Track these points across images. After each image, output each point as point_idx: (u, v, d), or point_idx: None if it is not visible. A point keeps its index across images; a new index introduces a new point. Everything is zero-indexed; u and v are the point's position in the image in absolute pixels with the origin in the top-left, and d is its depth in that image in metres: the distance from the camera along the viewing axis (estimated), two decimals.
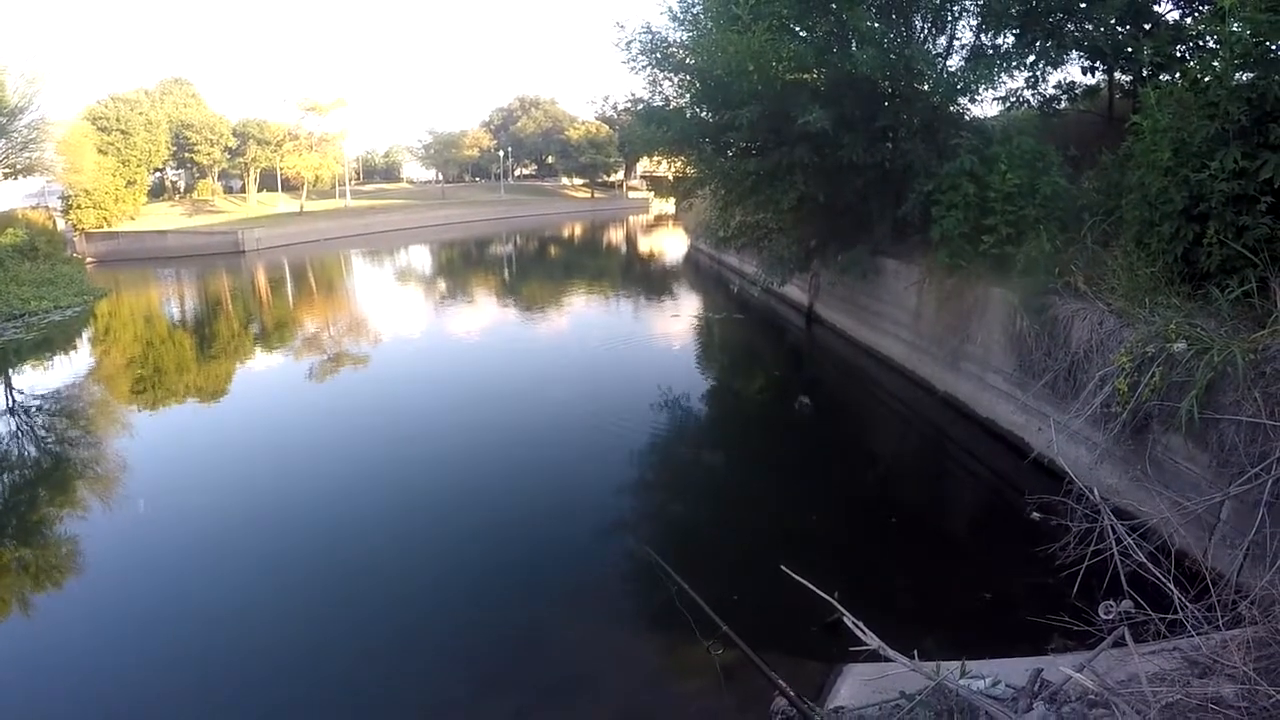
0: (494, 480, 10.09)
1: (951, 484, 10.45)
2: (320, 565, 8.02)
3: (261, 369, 18.34)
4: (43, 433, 13.72)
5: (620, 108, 20.78)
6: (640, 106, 17.16)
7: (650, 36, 15.82)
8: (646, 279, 34.44)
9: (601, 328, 21.86)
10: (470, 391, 14.63)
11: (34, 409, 15.02)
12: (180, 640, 6.68)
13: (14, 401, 15.67)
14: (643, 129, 16.84)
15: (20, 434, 13.62)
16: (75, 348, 22.20)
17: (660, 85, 16.70)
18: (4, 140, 32.04)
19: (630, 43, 15.84)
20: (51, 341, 22.22)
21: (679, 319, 22.48)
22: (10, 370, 18.57)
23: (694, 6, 15.91)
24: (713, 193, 19.02)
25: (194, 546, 8.48)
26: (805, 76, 13.84)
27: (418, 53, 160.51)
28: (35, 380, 17.51)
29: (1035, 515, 7.33)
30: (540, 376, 15.53)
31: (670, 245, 47.02)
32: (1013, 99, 14.69)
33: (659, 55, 15.91)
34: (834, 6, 13.43)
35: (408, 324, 23.30)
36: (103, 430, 13.68)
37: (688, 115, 16.18)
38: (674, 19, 16.08)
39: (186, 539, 8.67)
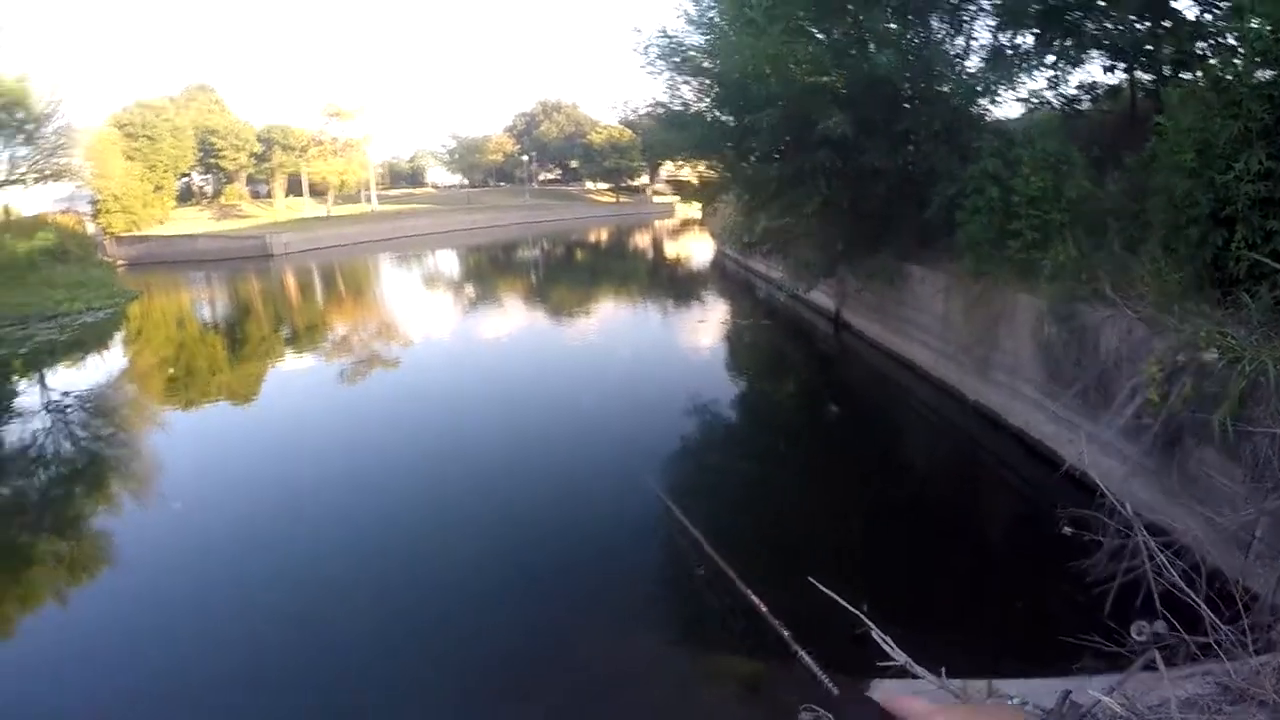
0: (524, 486, 10.22)
1: (983, 495, 10.35)
2: (348, 565, 8.19)
3: (292, 371, 18.70)
4: (78, 430, 14.16)
5: (641, 112, 20.95)
6: (661, 111, 17.23)
7: (668, 41, 15.85)
8: (673, 284, 34.46)
9: (629, 333, 21.99)
10: (500, 397, 14.81)
11: (68, 407, 15.48)
12: (205, 637, 6.85)
13: (49, 400, 16.19)
14: (664, 133, 16.95)
15: (55, 431, 14.03)
16: (107, 348, 22.95)
17: (679, 89, 16.75)
18: (32, 146, 33.50)
19: (648, 47, 15.88)
20: (84, 342, 22.96)
21: (706, 324, 22.52)
22: (45, 369, 19.29)
23: (709, 10, 15.92)
24: (737, 197, 19.02)
25: (222, 546, 8.70)
26: (824, 79, 13.81)
27: (440, 57, 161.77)
28: (69, 379, 18.09)
29: (1067, 530, 7.21)
30: (569, 382, 15.72)
31: (696, 250, 47.00)
32: (1034, 100, 14.51)
33: (677, 59, 15.95)
34: (850, 8, 13.38)
35: (436, 328, 23.58)
36: (135, 428, 14.15)
37: (708, 119, 16.21)
38: (690, 22, 16.11)
39: (215, 538, 8.89)
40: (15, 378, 18.92)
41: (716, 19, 15.51)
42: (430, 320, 25.00)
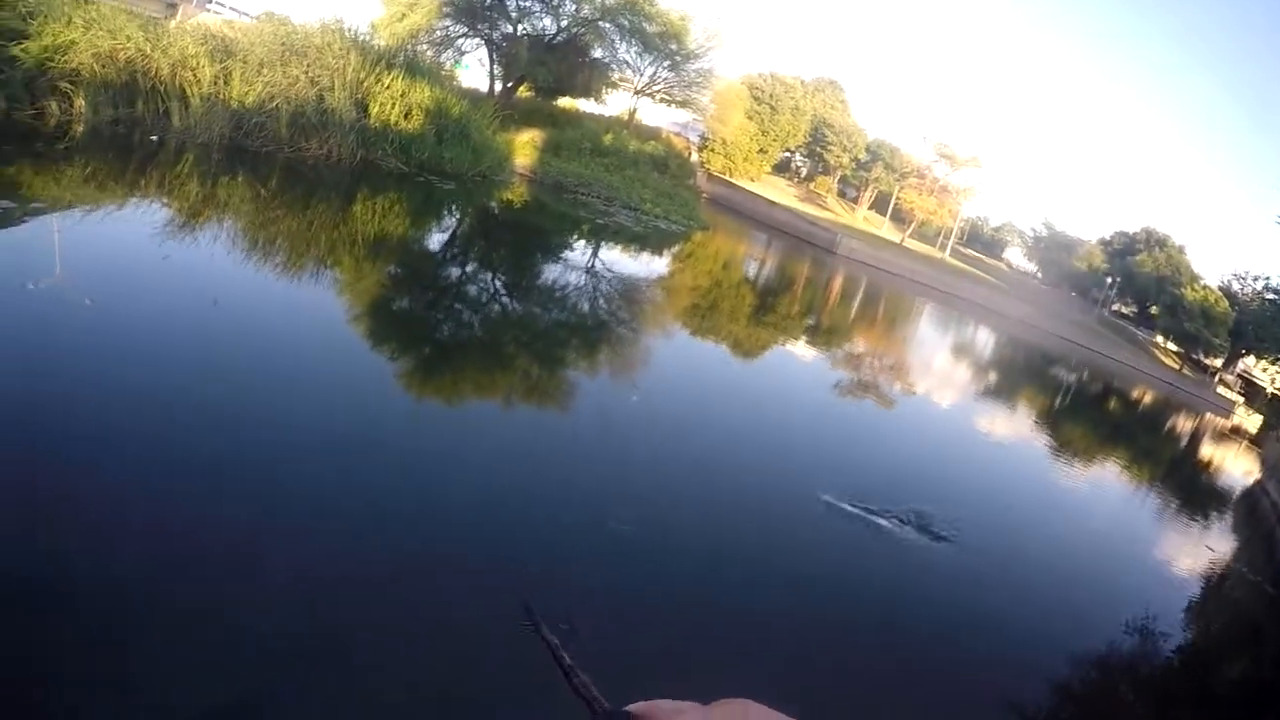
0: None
1: None
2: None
3: (792, 355, 18.36)
4: (600, 300, 15.78)
5: (1255, 288, 17.20)
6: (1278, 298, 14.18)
7: None
8: (1191, 491, 28.10)
9: (1111, 514, 17.83)
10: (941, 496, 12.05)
11: (602, 278, 17.52)
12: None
13: (590, 265, 18.73)
14: (1271, 324, 14.01)
15: (582, 289, 15.87)
16: (660, 255, 25.37)
17: None
18: (673, 74, 38.90)
19: None
20: (647, 240, 25.70)
21: (1210, 553, 17.94)
22: (603, 244, 22.55)
23: None
24: None
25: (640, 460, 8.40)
26: None
27: (1059, 145, 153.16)
28: (616, 259, 20.98)
29: None
30: (1018, 514, 12.82)
31: (1234, 467, 37.57)
32: None
33: None
34: None
35: (939, 392, 21.52)
36: (641, 322, 15.35)
37: None
38: None
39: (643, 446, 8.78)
40: (576, 237, 22.43)
41: None
42: (937, 383, 23.48)
